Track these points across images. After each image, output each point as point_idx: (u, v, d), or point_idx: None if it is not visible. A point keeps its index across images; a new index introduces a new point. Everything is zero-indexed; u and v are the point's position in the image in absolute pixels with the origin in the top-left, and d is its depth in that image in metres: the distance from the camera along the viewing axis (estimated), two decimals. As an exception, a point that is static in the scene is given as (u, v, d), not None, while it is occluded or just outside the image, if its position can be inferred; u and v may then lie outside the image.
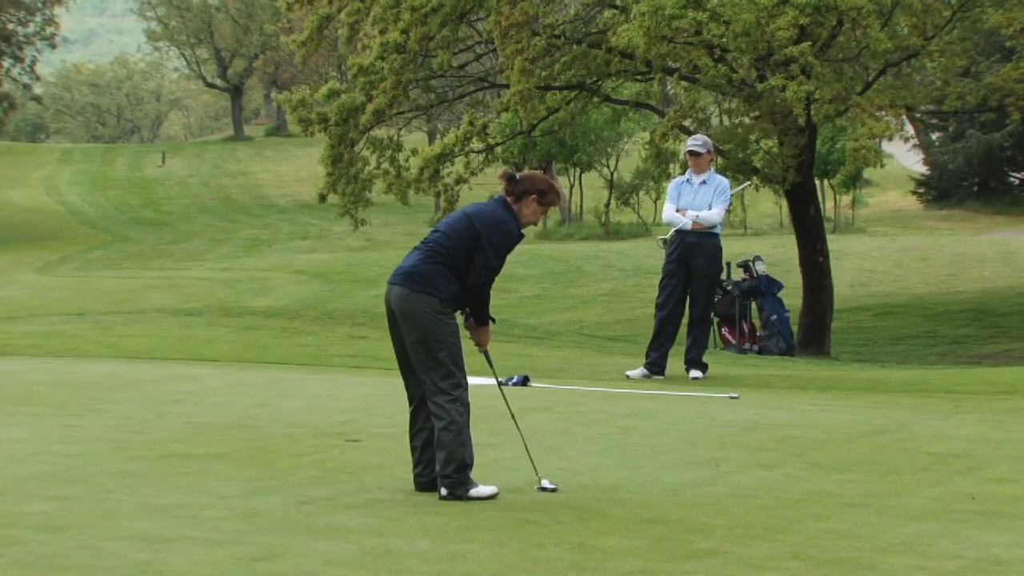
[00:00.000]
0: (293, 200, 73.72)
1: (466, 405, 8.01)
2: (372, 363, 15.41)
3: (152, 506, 7.34)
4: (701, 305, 14.98)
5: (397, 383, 8.44)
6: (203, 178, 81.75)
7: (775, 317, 24.22)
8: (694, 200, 14.78)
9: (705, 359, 15.24)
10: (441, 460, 7.88)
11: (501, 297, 34.00)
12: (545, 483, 8.16)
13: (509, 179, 8.32)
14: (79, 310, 27.78)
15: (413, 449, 8.17)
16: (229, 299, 35.80)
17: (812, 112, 23.39)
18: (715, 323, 24.92)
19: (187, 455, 8.95)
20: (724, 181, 15.12)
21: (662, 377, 14.79)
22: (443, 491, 7.86)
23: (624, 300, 34.61)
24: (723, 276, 25.53)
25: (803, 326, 25.24)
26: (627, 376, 14.81)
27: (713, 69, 22.99)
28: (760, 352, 23.66)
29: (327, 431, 9.90)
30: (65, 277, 46.31)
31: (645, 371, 14.83)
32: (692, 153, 15.00)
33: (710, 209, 14.71)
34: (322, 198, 28.14)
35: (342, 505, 7.53)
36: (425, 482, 8.04)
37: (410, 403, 8.22)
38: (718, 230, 14.91)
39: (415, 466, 8.13)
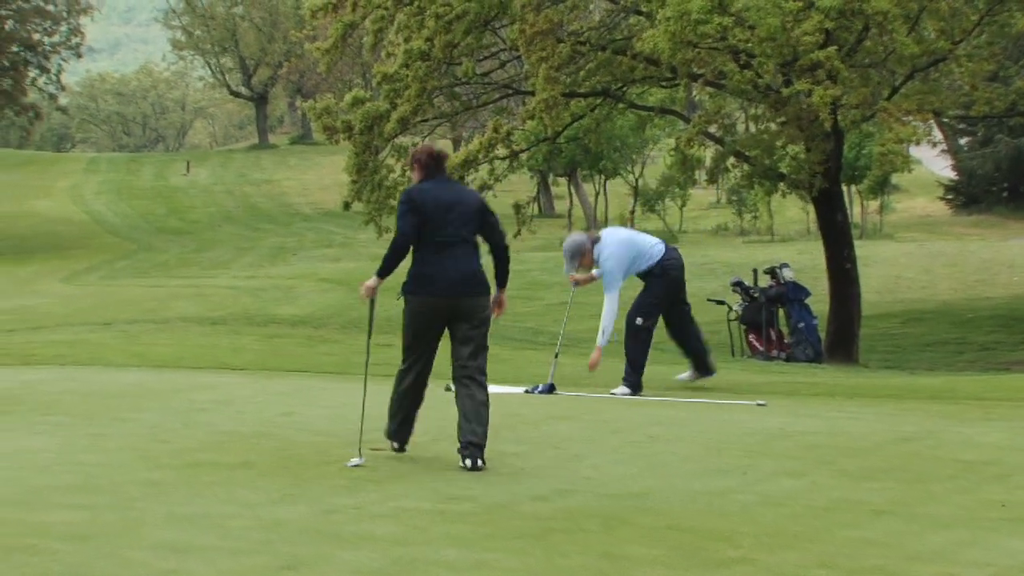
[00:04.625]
0: (318, 208, 73.81)
1: None
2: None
3: (178, 515, 7.35)
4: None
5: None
6: (228, 186, 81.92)
7: (803, 324, 24.17)
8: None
9: (720, 365, 15.36)
10: (481, 434, 8.92)
11: (527, 304, 34.00)
12: (355, 460, 9.03)
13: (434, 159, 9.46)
14: (105, 319, 27.88)
15: (415, 419, 9.42)
16: (254, 308, 35.85)
17: (839, 117, 23.33)
18: (742, 330, 24.92)
19: (213, 464, 8.97)
20: (603, 260, 14.30)
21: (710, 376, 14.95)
22: (481, 462, 8.85)
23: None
24: (750, 283, 25.56)
25: (831, 333, 25.16)
26: (678, 379, 14.97)
27: (738, 75, 22.95)
28: (787, 359, 23.62)
29: (353, 440, 9.91)
30: (91, 286, 46.44)
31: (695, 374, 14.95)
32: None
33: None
34: (347, 206, 28.16)
35: (368, 514, 7.53)
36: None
37: (418, 378, 9.33)
38: (647, 265, 14.51)
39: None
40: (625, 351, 14.42)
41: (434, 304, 9.15)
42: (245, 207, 75.51)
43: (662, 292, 14.50)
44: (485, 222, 9.35)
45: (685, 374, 15.09)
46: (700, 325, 15.21)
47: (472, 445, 8.94)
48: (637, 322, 14.39)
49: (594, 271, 14.50)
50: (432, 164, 9.41)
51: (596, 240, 14.34)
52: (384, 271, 9.21)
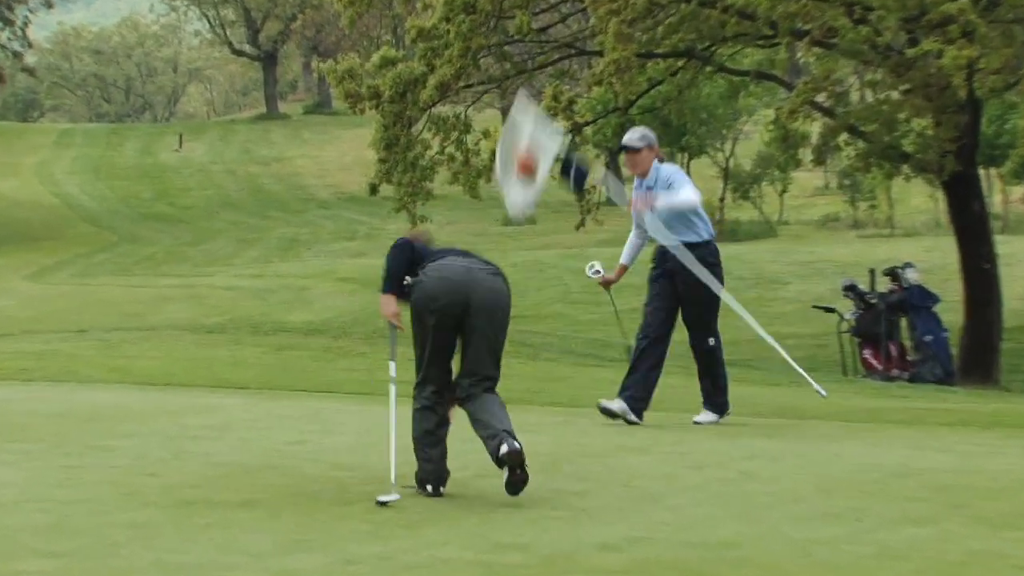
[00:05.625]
0: (337, 192, 74.10)
1: None
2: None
3: (168, 564, 7.40)
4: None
5: (463, 415, 8.67)
6: (229, 165, 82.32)
7: (930, 337, 24.08)
8: (649, 210, 13.96)
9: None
10: (508, 421, 9.33)
11: (591, 311, 34.01)
12: (387, 497, 9.13)
13: None
14: (79, 326, 28.07)
15: (436, 446, 9.57)
16: (259, 313, 36.04)
17: (975, 84, 23.22)
18: (856, 344, 24.83)
19: (209, 502, 9.02)
20: (671, 168, 14.12)
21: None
22: (517, 443, 9.14)
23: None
24: (866, 286, 25.44)
25: (965, 348, 25.07)
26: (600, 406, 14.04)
27: (852, 32, 22.88)
28: (911, 380, 23.53)
29: (379, 475, 9.94)
30: (62, 285, 46.78)
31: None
32: (627, 149, 14.11)
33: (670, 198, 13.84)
34: (373, 190, 28.26)
35: (399, 565, 7.56)
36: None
37: (438, 395, 9.64)
38: (703, 234, 13.97)
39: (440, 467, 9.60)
40: (701, 378, 14.14)
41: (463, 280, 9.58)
42: (249, 190, 75.86)
43: (720, 290, 14.20)
44: None
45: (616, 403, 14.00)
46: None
47: (510, 434, 9.27)
48: (710, 343, 14.12)
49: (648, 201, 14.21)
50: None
51: (662, 159, 14.21)
52: (389, 281, 9.63)
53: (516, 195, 12.77)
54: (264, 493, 9.37)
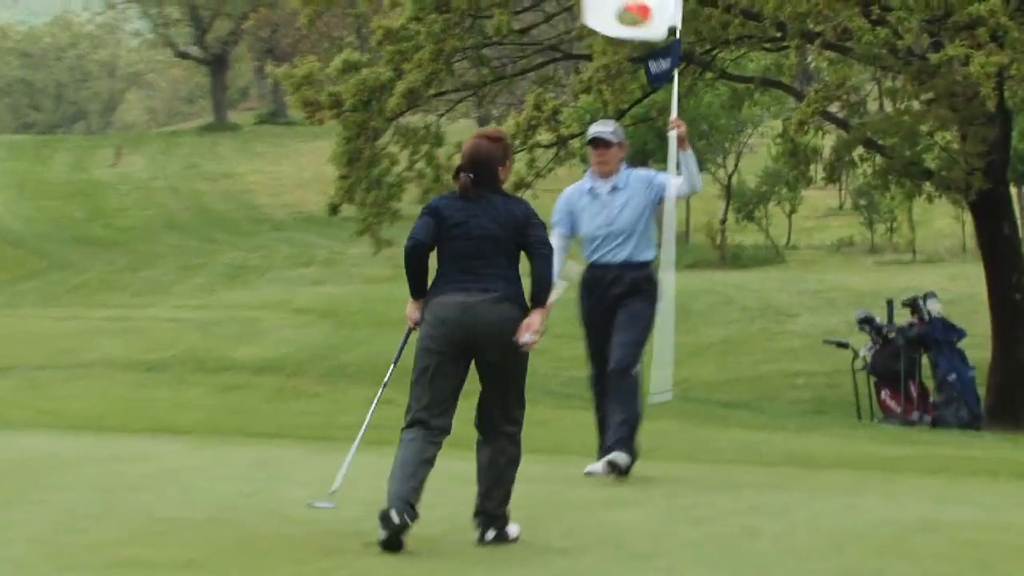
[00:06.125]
0: (294, 212, 74.04)
1: None
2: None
3: (99, 631, 7.40)
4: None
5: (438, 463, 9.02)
6: (171, 181, 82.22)
7: (954, 376, 24.10)
8: (606, 218, 13.57)
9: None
10: (500, 497, 9.60)
11: (576, 347, 34.03)
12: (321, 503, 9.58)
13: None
14: (2, 362, 28.01)
15: (411, 477, 9.39)
16: (205, 348, 35.96)
17: (1006, 94, 23.28)
18: (873, 384, 24.83)
19: (147, 563, 9.00)
20: (649, 172, 14.10)
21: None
22: (491, 534, 9.51)
23: (747, 351, 34.57)
24: (883, 319, 25.47)
25: (993, 388, 25.10)
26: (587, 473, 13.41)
27: (870, 34, 22.91)
28: (934, 424, 23.56)
29: (339, 529, 9.94)
30: (-17, 317, 46.71)
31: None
32: (597, 143, 13.67)
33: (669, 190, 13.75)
34: (333, 210, 28.23)
35: (358, 632, 7.56)
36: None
37: (428, 432, 9.51)
38: (655, 253, 13.81)
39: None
40: (621, 411, 13.34)
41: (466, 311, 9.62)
42: (195, 210, 75.78)
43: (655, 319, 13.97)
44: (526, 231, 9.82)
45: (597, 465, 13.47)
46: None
47: (491, 515, 9.60)
48: (636, 371, 13.73)
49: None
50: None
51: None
52: (409, 288, 9.81)
53: (605, 16, 13.02)
54: (208, 551, 9.35)
